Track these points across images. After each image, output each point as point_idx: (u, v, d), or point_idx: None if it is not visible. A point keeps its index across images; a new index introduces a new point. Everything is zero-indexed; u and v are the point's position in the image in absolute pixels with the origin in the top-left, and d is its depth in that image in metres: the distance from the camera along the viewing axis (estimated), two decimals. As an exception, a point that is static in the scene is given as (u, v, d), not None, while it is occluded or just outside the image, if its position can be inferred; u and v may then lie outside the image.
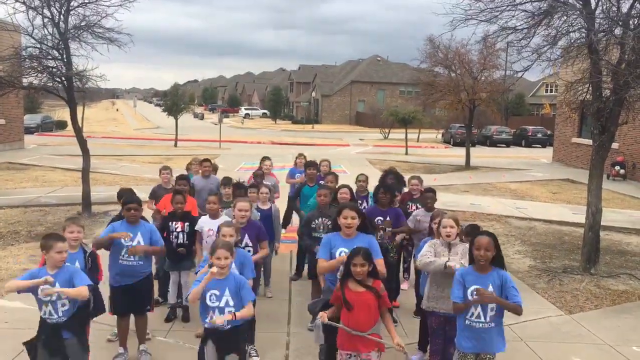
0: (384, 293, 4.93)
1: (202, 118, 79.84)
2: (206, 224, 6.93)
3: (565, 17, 9.59)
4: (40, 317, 4.94)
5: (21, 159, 23.80)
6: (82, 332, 5.10)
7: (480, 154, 33.30)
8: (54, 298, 4.81)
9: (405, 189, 9.11)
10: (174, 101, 35.06)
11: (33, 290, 4.78)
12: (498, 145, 43.79)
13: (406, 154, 33.22)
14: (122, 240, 6.05)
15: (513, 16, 10.05)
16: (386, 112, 43.16)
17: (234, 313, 4.87)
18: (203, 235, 6.96)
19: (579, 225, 14.11)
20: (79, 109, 15.14)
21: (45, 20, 12.52)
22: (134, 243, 6.06)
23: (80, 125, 14.25)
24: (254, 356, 6.35)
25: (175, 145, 33.90)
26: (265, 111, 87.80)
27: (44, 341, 4.89)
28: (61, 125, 46.07)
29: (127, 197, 6.32)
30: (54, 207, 14.29)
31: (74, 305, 4.93)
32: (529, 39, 10.00)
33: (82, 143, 13.77)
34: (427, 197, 7.77)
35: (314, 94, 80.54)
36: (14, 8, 12.30)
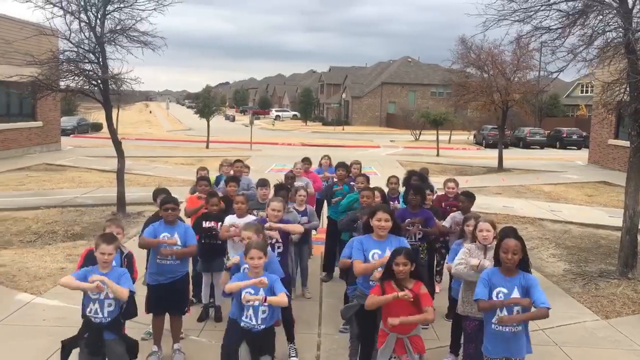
0: (425, 292, 4.90)
1: (233, 120, 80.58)
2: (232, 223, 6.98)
3: (601, 16, 9.41)
4: (85, 316, 5.05)
5: (58, 160, 24.36)
6: (123, 334, 5.20)
7: (513, 156, 32.85)
8: (102, 296, 4.92)
9: (442, 192, 9.07)
10: (205, 103, 35.44)
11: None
12: (532, 147, 43.10)
13: (437, 155, 32.96)
14: (161, 239, 6.15)
15: (547, 16, 9.91)
16: (417, 113, 42.94)
17: (265, 297, 4.92)
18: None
19: (615, 228, 13.77)
20: (114, 111, 15.43)
21: (82, 24, 12.80)
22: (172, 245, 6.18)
23: (115, 127, 14.51)
24: (292, 356, 6.40)
25: (207, 146, 34.26)
26: (295, 113, 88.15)
27: (86, 340, 5.00)
28: (96, 127, 47.01)
29: (165, 197, 6.44)
30: (89, 207, 14.58)
31: (118, 307, 5.04)
32: (563, 39, 9.85)
33: (117, 144, 14.01)
34: (460, 200, 7.75)
35: (344, 95, 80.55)
36: (52, 13, 12.61)
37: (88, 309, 4.99)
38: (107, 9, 12.85)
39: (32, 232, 11.94)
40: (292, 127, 67.90)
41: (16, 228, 12.19)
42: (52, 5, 12.51)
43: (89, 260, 5.48)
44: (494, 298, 4.80)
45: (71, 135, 40.20)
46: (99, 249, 5.00)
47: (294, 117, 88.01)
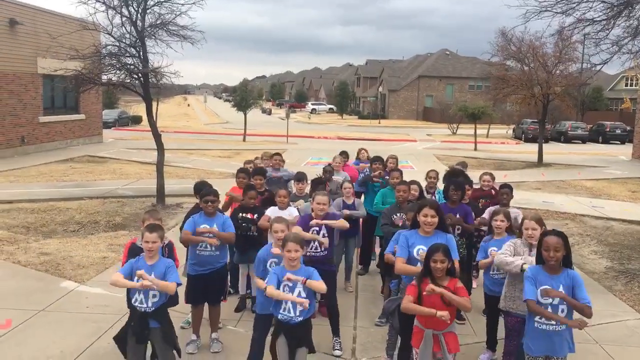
0: (461, 286, 4.88)
1: (269, 113, 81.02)
2: (274, 215, 7.04)
3: (648, 7, 9.15)
4: (131, 304, 5.21)
5: (100, 152, 24.95)
6: (168, 323, 5.32)
7: (554, 151, 32.20)
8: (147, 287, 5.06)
9: (477, 185, 8.96)
10: (242, 97, 35.76)
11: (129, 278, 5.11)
12: (573, 141, 42.20)
13: (475, 149, 32.55)
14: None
15: (591, 7, 9.72)
16: (455, 107, 42.44)
17: (305, 279, 4.96)
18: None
19: (660, 225, 13.45)
20: (154, 105, 15.70)
21: (124, 19, 13.08)
22: (211, 235, 6.30)
23: (154, 120, 14.77)
24: (337, 349, 6.44)
25: (244, 140, 34.57)
26: (331, 106, 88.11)
27: (133, 328, 5.16)
28: (136, 120, 47.98)
29: (205, 190, 6.54)
30: (130, 198, 14.91)
31: (163, 297, 5.18)
32: (608, 31, 9.63)
33: (157, 137, 14.26)
34: (502, 192, 7.68)
35: (380, 89, 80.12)
36: (95, 8, 12.94)
37: (133, 299, 5.13)
38: (148, 3, 13.10)
39: (75, 222, 12.28)
40: (328, 121, 67.92)
41: (61, 218, 12.56)
42: (94, 1, 12.84)
43: (133, 252, 5.62)
44: (538, 297, 4.73)
45: (112, 128, 41.10)
46: (144, 238, 5.16)
47: (330, 111, 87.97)
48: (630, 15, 9.37)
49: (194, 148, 29.18)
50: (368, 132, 47.55)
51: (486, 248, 6.32)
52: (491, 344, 6.46)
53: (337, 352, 6.42)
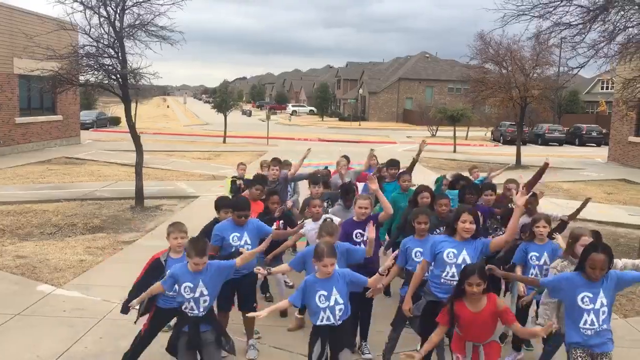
0: (505, 308, 4.71)
1: (250, 115, 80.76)
2: (311, 228, 6.80)
3: (622, 12, 9.31)
4: (181, 310, 5.10)
5: (77, 154, 24.62)
6: (219, 323, 5.27)
7: (532, 153, 32.55)
8: (197, 295, 5.00)
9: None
10: (222, 98, 35.56)
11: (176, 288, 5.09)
12: (550, 143, 42.77)
13: (454, 151, 32.79)
14: (231, 240, 6.16)
15: (567, 11, 9.86)
16: (434, 109, 42.76)
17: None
18: (309, 240, 6.95)
19: (635, 226, 13.67)
20: (132, 106, 15.55)
21: (102, 19, 12.91)
22: (242, 243, 6.15)
23: (133, 121, 14.63)
24: (366, 353, 6.40)
25: (224, 141, 34.39)
26: (312, 108, 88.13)
27: (187, 334, 5.07)
28: (115, 121, 47.50)
29: (240, 204, 6.31)
30: (108, 200, 14.74)
31: (213, 300, 5.13)
32: (584, 35, 9.77)
33: (136, 139, 14.12)
34: (531, 200, 7.68)
35: (361, 91, 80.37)
36: (72, 8, 12.77)
37: (184, 306, 5.05)
38: (126, 3, 12.96)
39: (52, 224, 12.11)
40: (309, 123, 67.92)
41: (37, 220, 12.37)
42: (72, 0, 12.67)
43: (153, 269, 5.58)
44: (579, 303, 4.64)
45: (90, 129, 40.62)
46: (193, 261, 4.97)
47: (311, 113, 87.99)
48: (606, 19, 9.52)
49: (173, 150, 28.96)
50: (348, 134, 47.65)
51: (526, 251, 6.35)
52: (516, 344, 6.51)
53: (368, 356, 6.37)
